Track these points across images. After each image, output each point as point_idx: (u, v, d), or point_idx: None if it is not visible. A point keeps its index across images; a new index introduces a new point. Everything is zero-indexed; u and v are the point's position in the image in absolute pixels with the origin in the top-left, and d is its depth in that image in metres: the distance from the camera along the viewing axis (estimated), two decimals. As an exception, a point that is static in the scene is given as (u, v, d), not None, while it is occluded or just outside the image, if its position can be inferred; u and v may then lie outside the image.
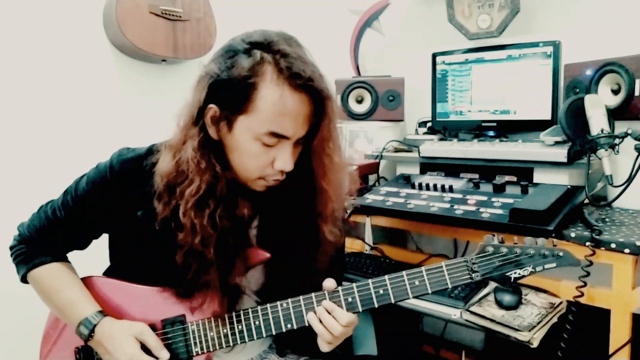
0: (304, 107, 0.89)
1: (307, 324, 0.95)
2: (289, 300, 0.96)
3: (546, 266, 0.91)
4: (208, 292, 0.97)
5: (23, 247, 1.09)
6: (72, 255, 1.14)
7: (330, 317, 0.93)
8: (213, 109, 0.91)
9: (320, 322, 0.93)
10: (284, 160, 0.92)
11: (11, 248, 1.11)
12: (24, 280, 1.09)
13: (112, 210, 1.02)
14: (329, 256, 1.03)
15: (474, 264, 0.92)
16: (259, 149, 0.91)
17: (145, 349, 0.97)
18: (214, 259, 0.93)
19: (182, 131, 0.94)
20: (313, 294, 0.95)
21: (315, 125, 0.93)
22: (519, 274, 0.91)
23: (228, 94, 0.89)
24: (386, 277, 0.93)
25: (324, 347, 0.96)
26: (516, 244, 0.93)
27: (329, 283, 0.95)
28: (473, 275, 0.91)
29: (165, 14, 1.87)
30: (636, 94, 1.45)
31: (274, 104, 0.87)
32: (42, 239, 1.08)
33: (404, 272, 0.93)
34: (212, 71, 0.91)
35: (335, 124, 0.96)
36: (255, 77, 0.87)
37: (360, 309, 0.93)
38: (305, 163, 0.97)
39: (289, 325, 0.95)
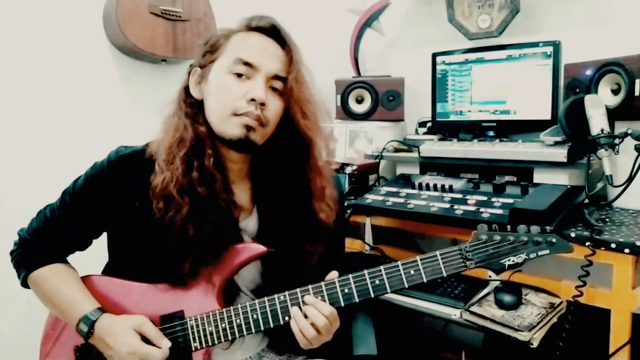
0: (271, 46, 1.00)
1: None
2: (286, 292, 0.97)
3: (539, 253, 0.91)
4: (202, 285, 0.99)
5: (23, 251, 1.10)
6: (71, 255, 1.14)
7: (313, 308, 0.93)
8: (197, 71, 1.03)
9: (306, 317, 0.94)
10: (255, 88, 0.97)
11: (11, 253, 1.11)
12: (24, 284, 1.10)
13: (110, 203, 1.03)
14: (323, 245, 1.04)
15: (467, 252, 0.92)
16: (231, 81, 0.98)
17: (146, 341, 0.97)
18: (183, 204, 0.96)
19: (174, 101, 1.06)
20: (310, 286, 0.96)
21: (286, 70, 1.00)
22: (513, 261, 0.91)
23: (206, 48, 1.03)
24: (382, 267, 0.94)
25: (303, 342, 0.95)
26: (509, 232, 0.93)
27: (332, 275, 0.96)
28: (467, 263, 0.92)
29: (165, 14, 1.87)
30: (636, 94, 1.45)
31: (241, 42, 1.00)
32: (41, 241, 1.09)
33: (399, 262, 0.94)
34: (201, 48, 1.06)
35: (306, 85, 1.03)
36: (230, 33, 1.02)
37: (357, 300, 0.94)
38: (287, 119, 1.02)
39: (286, 318, 0.96)
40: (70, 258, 1.14)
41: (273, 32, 1.02)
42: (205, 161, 0.98)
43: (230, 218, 1.02)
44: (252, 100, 0.96)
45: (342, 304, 0.94)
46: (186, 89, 1.05)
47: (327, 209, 1.05)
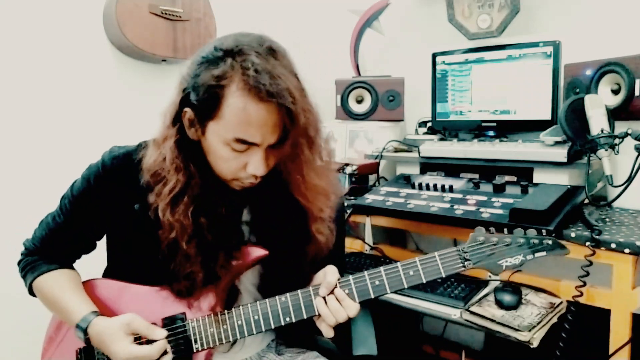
0: (271, 116, 0.88)
1: (304, 317, 0.96)
2: (287, 294, 0.97)
3: (536, 255, 0.93)
4: (201, 285, 0.98)
5: (29, 259, 1.10)
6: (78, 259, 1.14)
7: (338, 304, 0.94)
8: (188, 112, 0.93)
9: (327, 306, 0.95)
10: (255, 165, 0.92)
11: (19, 263, 1.12)
12: (31, 291, 1.10)
13: (109, 205, 1.03)
14: (322, 253, 1.04)
15: (465, 252, 0.94)
16: (229, 153, 0.92)
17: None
18: (193, 253, 0.95)
19: (164, 130, 0.97)
20: (311, 287, 0.97)
21: (287, 133, 0.91)
22: (510, 262, 0.93)
23: (198, 100, 0.91)
24: (381, 268, 0.95)
25: (328, 331, 0.96)
26: (507, 234, 0.95)
27: (331, 271, 0.96)
28: (465, 263, 0.93)
29: (165, 14, 1.87)
30: (636, 94, 1.45)
31: (238, 113, 0.87)
32: (46, 248, 1.09)
33: (398, 263, 0.95)
34: (186, 75, 0.94)
35: (311, 133, 0.96)
36: (222, 86, 0.88)
37: (357, 300, 0.95)
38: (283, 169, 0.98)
39: (287, 319, 0.97)
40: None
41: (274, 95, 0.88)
42: (217, 209, 0.97)
43: (236, 236, 1.01)
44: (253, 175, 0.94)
45: None
46: (180, 128, 0.95)
47: (327, 232, 1.04)
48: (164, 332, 0.98)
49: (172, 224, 0.94)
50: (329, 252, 1.05)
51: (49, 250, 1.09)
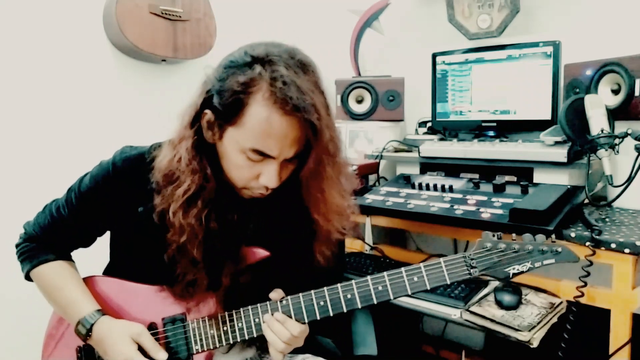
0: (293, 131, 0.88)
1: (306, 321, 0.96)
2: (289, 297, 0.97)
3: (545, 262, 0.91)
4: (203, 291, 0.98)
5: (28, 245, 1.10)
6: (73, 253, 1.14)
7: (281, 325, 0.95)
8: (208, 114, 0.92)
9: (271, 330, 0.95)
10: (269, 177, 0.92)
11: (17, 246, 1.12)
12: (27, 277, 1.10)
13: (114, 206, 1.03)
14: (318, 266, 1.03)
15: (472, 259, 0.92)
16: (243, 161, 0.91)
17: (143, 351, 0.97)
18: (200, 259, 0.95)
19: (181, 130, 0.96)
20: (312, 291, 0.96)
21: (307, 149, 0.91)
22: (518, 269, 0.91)
23: (221, 103, 0.89)
24: (385, 273, 0.94)
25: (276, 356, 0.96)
26: (514, 240, 0.93)
27: (275, 294, 0.98)
28: (472, 270, 0.91)
29: (165, 14, 1.87)
30: (636, 94, 1.45)
31: (260, 123, 0.87)
32: (47, 237, 1.10)
33: (402, 269, 0.94)
34: (211, 77, 0.93)
35: (333, 151, 0.95)
36: (248, 93, 0.87)
37: (360, 306, 0.94)
38: (298, 186, 0.97)
39: None
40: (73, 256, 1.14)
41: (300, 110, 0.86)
42: (228, 216, 0.97)
43: (238, 239, 1.01)
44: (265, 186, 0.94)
45: (345, 310, 0.94)
46: (198, 129, 0.94)
47: (328, 254, 1.02)
48: (166, 355, 0.98)
49: (183, 227, 0.93)
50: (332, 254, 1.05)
51: (49, 239, 1.10)
